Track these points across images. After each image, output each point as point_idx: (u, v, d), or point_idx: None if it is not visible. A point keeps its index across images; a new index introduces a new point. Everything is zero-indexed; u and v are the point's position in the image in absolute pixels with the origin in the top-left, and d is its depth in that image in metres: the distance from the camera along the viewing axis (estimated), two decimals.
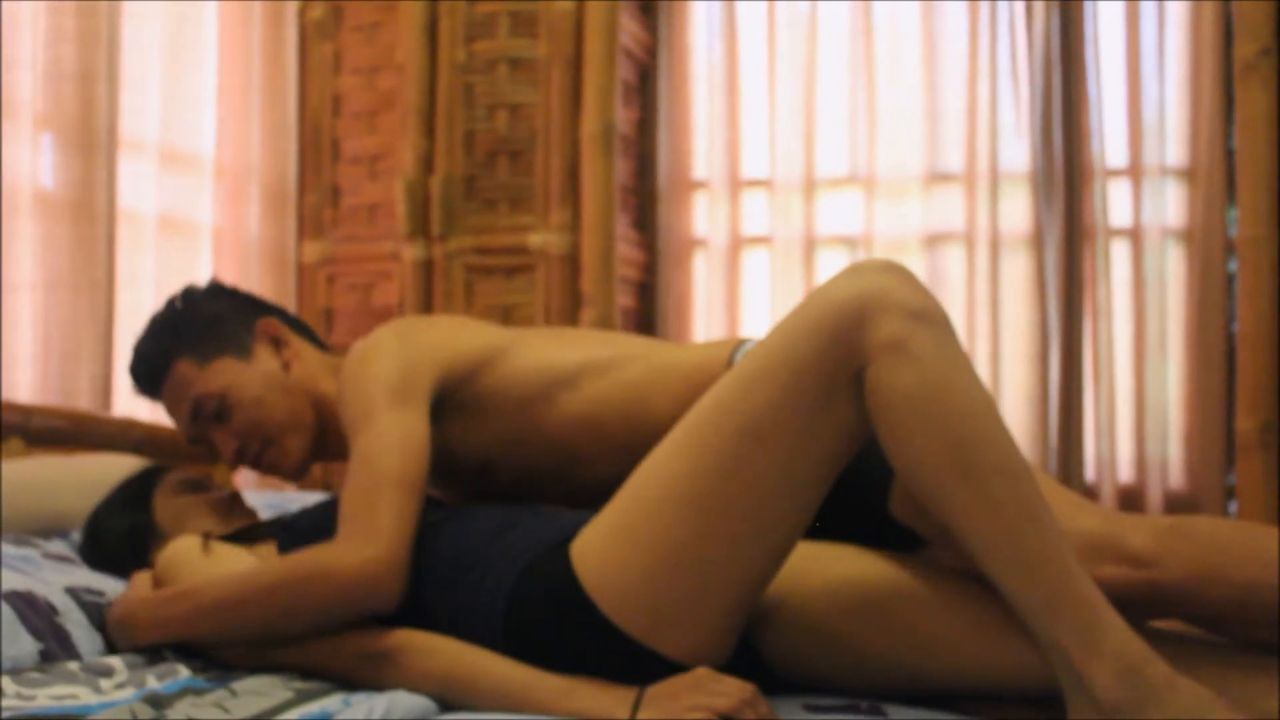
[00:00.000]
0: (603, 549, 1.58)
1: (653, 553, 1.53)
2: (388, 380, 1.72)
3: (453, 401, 1.80)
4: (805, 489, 1.49)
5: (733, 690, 1.41)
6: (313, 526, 1.80)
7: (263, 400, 1.89)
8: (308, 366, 1.94)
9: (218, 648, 1.67)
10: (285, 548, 1.81)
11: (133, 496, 1.97)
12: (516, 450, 1.84)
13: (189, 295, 2.01)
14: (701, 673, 1.45)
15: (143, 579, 1.75)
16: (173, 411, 1.93)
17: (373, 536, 1.58)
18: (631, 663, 1.54)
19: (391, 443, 1.67)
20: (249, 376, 1.91)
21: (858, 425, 1.45)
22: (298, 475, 1.94)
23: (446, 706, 1.52)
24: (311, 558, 1.59)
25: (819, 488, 1.50)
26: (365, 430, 1.68)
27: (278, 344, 1.95)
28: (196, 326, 1.95)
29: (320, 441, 1.92)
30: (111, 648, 1.75)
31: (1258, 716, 1.41)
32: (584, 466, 1.74)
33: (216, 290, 2.03)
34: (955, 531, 1.41)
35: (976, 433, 1.38)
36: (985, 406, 1.39)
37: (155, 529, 1.93)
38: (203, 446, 1.94)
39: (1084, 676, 1.35)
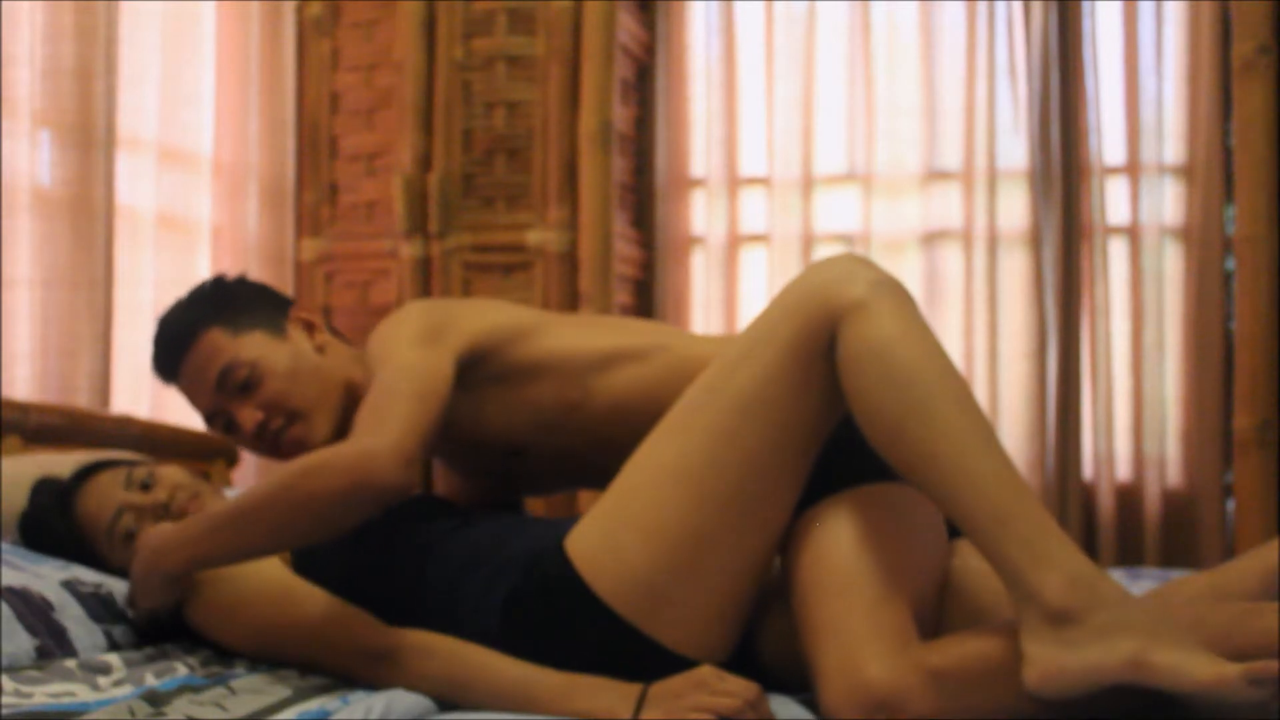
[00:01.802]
0: (597, 535, 1.59)
1: (646, 531, 1.54)
2: (413, 331, 1.74)
3: (484, 373, 1.80)
4: (791, 462, 1.54)
5: (737, 690, 1.40)
6: None
7: (295, 374, 1.86)
8: (339, 355, 1.93)
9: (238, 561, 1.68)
10: (300, 552, 1.79)
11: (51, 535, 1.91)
12: (548, 435, 1.85)
13: (221, 277, 1.99)
14: (706, 671, 1.44)
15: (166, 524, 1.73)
16: (195, 382, 1.87)
17: (379, 430, 1.58)
18: (632, 656, 1.54)
19: (410, 369, 1.68)
20: (282, 352, 1.88)
21: (836, 394, 1.51)
22: None
23: (446, 705, 1.52)
24: (318, 453, 1.60)
25: (804, 461, 1.55)
26: (385, 366, 1.69)
27: (311, 329, 1.94)
28: (231, 301, 1.92)
29: (346, 428, 1.89)
30: (111, 644, 1.75)
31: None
32: (613, 454, 1.74)
33: (248, 280, 2.02)
34: (910, 470, 1.46)
35: (931, 374, 1.45)
36: (940, 356, 1.47)
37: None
38: (218, 423, 1.88)
39: (1033, 586, 1.36)
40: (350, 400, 1.88)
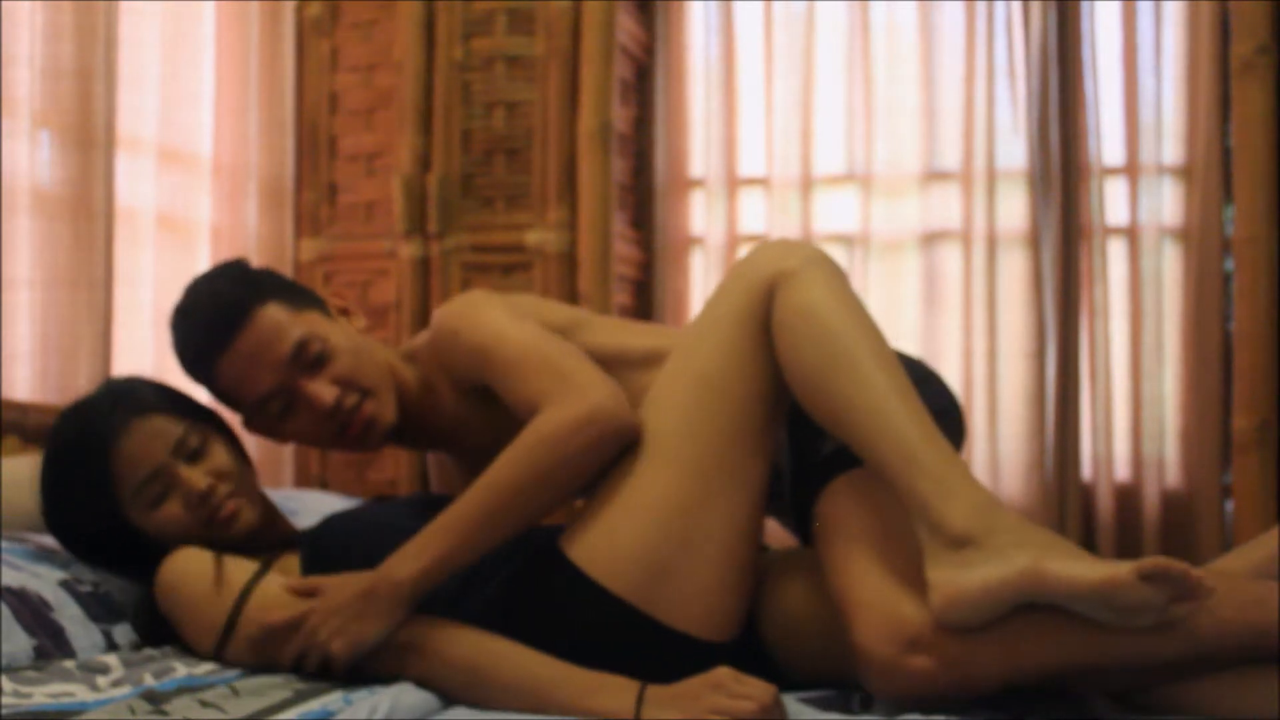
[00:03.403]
0: (587, 524, 1.61)
1: (633, 510, 1.58)
2: (503, 312, 1.78)
3: None
4: (759, 425, 1.62)
5: (754, 693, 1.40)
6: (341, 542, 1.78)
7: (358, 352, 1.83)
8: (374, 342, 1.93)
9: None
10: (310, 563, 1.77)
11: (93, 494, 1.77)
12: None
13: (245, 261, 1.93)
14: (723, 672, 1.44)
15: (332, 579, 1.63)
16: (253, 358, 1.78)
17: (578, 387, 1.62)
18: (636, 638, 1.54)
19: (539, 335, 1.73)
20: (340, 331, 1.85)
21: None
22: (384, 440, 1.87)
23: (449, 703, 1.51)
24: (541, 425, 1.59)
25: (772, 423, 1.64)
26: (504, 341, 1.72)
27: (348, 316, 1.93)
28: (278, 279, 1.88)
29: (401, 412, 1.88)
30: (110, 644, 1.74)
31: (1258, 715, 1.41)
32: None
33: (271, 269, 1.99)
34: (829, 417, 1.55)
35: (854, 333, 1.55)
36: (864, 319, 1.58)
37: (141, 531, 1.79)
38: (276, 404, 1.80)
39: (938, 515, 1.44)
40: (397, 390, 1.88)
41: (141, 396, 1.81)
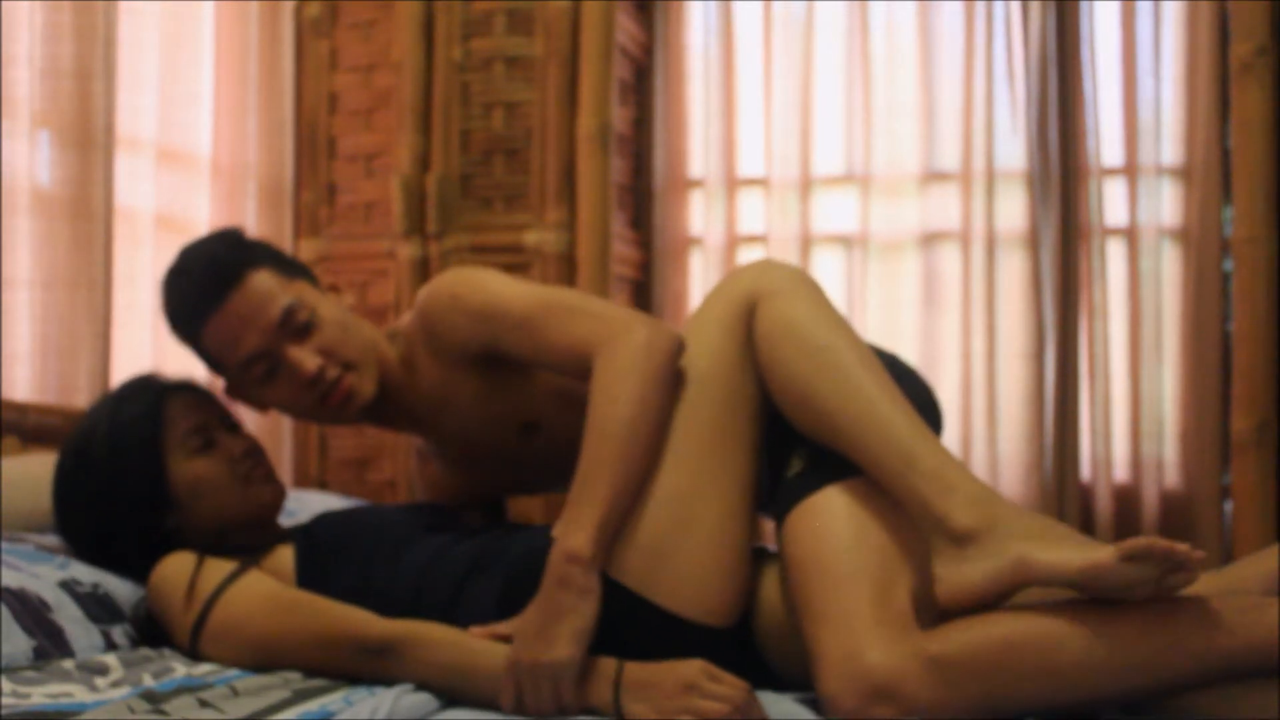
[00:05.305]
0: None
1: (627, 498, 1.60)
2: (497, 274, 1.84)
3: None
4: (746, 423, 1.66)
5: (725, 693, 1.40)
6: (336, 536, 1.79)
7: (345, 325, 1.87)
8: (362, 319, 1.97)
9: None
10: (305, 558, 1.78)
11: (144, 454, 1.83)
12: (563, 410, 1.87)
13: (241, 230, 1.97)
14: (696, 671, 1.44)
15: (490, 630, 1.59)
16: (242, 319, 1.81)
17: (620, 325, 1.68)
18: (634, 622, 1.54)
19: (540, 285, 1.81)
20: (329, 303, 1.89)
21: None
22: (362, 414, 1.90)
23: (448, 704, 1.51)
24: (609, 368, 1.64)
25: (758, 423, 1.67)
26: (513, 297, 1.78)
27: (337, 293, 1.96)
28: (271, 248, 1.92)
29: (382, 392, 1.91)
30: (109, 644, 1.75)
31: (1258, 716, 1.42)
32: None
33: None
34: (819, 426, 1.60)
35: (838, 343, 1.61)
36: (847, 331, 1.63)
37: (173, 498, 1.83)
38: (260, 367, 1.83)
39: (940, 513, 1.48)
40: (379, 366, 1.90)
41: (179, 381, 1.93)
